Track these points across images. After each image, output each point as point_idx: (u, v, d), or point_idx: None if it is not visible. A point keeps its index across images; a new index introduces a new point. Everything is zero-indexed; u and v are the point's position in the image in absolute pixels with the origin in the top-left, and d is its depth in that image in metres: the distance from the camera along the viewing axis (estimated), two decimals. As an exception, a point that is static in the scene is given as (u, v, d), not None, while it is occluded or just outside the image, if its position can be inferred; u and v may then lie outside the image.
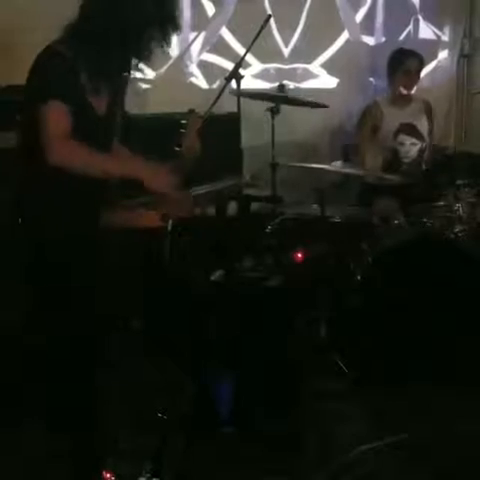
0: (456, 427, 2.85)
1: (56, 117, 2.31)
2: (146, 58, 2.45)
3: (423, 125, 4.41)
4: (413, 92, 4.39)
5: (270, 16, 3.52)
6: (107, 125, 2.53)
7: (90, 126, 2.41)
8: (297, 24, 4.67)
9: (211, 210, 3.62)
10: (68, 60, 2.34)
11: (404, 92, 4.32)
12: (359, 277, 3.37)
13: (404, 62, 4.29)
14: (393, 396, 3.09)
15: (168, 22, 2.42)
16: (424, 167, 4.33)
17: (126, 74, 2.54)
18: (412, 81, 4.34)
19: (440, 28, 5.13)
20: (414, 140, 4.35)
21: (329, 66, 4.85)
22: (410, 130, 4.35)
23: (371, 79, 4.97)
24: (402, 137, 4.33)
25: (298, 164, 3.72)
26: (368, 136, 4.31)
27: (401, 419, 2.94)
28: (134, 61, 2.47)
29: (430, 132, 4.46)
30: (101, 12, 2.37)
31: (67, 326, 2.42)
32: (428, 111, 4.48)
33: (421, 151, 4.37)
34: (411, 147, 4.35)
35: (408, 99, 4.38)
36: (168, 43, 2.45)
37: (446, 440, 2.76)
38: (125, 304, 3.21)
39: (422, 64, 4.37)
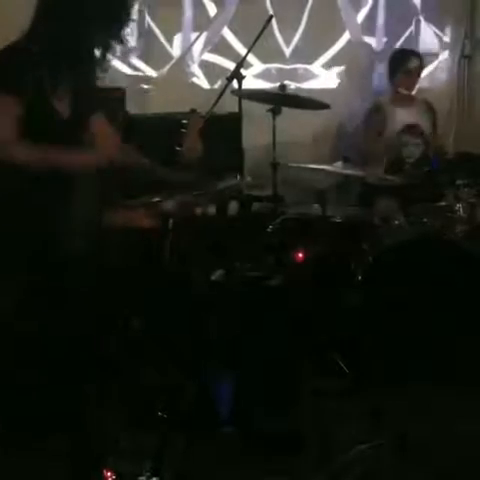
0: (456, 427, 2.86)
1: (6, 113, 2.33)
2: (101, 56, 2.45)
3: (426, 126, 4.41)
4: (414, 93, 4.39)
5: (272, 16, 3.53)
6: (72, 127, 2.53)
7: (53, 128, 2.42)
8: (298, 24, 4.67)
9: (212, 210, 3.63)
10: (31, 56, 2.36)
11: (405, 92, 4.32)
12: (360, 277, 3.37)
13: (405, 62, 4.29)
14: (393, 396, 3.09)
15: (114, 19, 2.42)
16: (426, 168, 4.34)
17: (88, 73, 2.52)
18: (413, 81, 4.34)
19: (441, 29, 5.14)
20: (417, 141, 4.35)
21: (330, 66, 4.85)
22: (414, 131, 4.35)
23: (372, 80, 4.97)
24: (406, 138, 4.33)
25: (299, 164, 3.72)
26: (374, 136, 4.31)
27: (401, 419, 2.94)
28: (93, 57, 2.47)
29: (433, 133, 4.46)
30: (52, 10, 2.38)
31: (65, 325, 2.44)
32: (431, 112, 4.48)
33: (424, 152, 4.37)
34: (414, 148, 4.35)
35: (410, 100, 4.38)
36: (120, 39, 2.44)
37: (446, 440, 2.76)
38: (124, 304, 3.22)
39: (422, 64, 4.37)
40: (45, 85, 2.39)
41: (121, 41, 2.44)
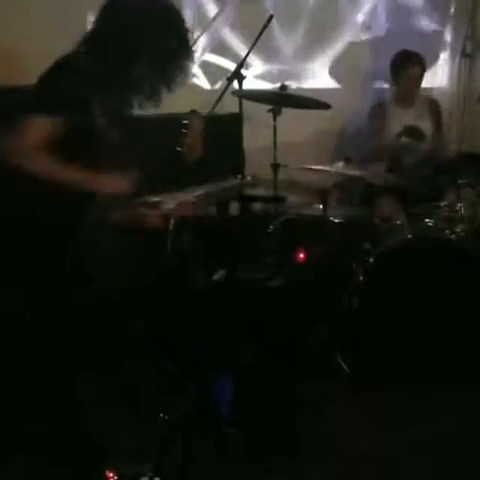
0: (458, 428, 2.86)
1: (36, 131, 2.38)
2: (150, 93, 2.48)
3: (427, 126, 4.40)
4: (418, 92, 4.37)
5: (272, 16, 3.53)
6: (108, 141, 2.58)
7: (93, 144, 2.47)
8: (299, 24, 4.66)
9: (213, 210, 3.63)
10: (83, 74, 2.38)
11: (407, 93, 4.31)
12: (361, 277, 3.37)
13: (406, 67, 4.27)
14: (394, 397, 3.09)
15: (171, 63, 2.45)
16: (425, 169, 4.33)
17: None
18: (415, 83, 4.32)
19: (442, 28, 5.13)
20: (417, 143, 4.35)
21: (331, 67, 4.85)
22: (413, 132, 4.34)
23: (373, 80, 4.98)
24: (405, 139, 4.32)
25: (300, 165, 3.71)
26: (377, 132, 4.31)
27: (401, 420, 2.95)
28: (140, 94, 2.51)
29: (435, 132, 4.45)
30: (113, 35, 2.41)
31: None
32: (434, 110, 4.46)
33: (423, 153, 4.36)
34: (413, 149, 4.35)
35: (412, 100, 4.37)
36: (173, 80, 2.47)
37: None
38: (125, 304, 3.21)
39: (424, 68, 4.33)
40: (93, 107, 2.44)
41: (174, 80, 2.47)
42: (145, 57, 2.44)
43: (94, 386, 2.77)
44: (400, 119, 4.33)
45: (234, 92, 3.62)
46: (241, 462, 2.64)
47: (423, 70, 4.32)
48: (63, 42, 2.50)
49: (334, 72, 4.86)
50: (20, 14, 3.75)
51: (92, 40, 2.48)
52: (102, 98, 2.47)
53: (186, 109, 3.40)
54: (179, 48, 2.48)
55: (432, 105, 4.48)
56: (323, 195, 3.55)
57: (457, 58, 5.17)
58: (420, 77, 4.31)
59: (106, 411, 2.79)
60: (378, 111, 4.38)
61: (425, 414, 2.98)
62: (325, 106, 3.66)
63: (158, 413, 2.55)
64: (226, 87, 3.52)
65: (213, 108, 3.44)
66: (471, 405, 3.03)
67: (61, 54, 2.48)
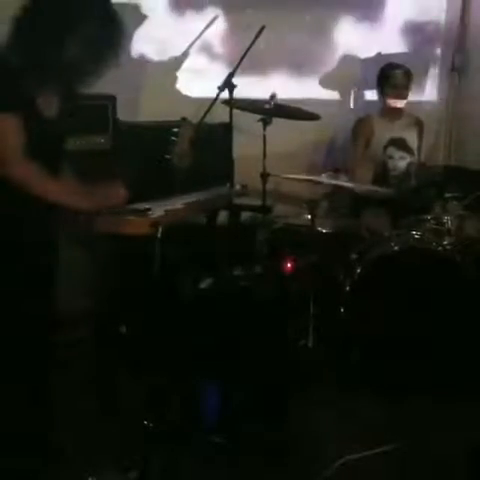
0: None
1: (10, 132, 2.29)
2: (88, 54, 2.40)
3: (413, 140, 4.44)
4: (404, 106, 4.40)
5: (264, 27, 3.53)
6: (58, 125, 2.49)
7: (38, 130, 2.36)
8: (291, 34, 4.68)
9: (201, 218, 3.64)
10: (12, 65, 2.32)
11: (392, 105, 4.34)
12: (347, 288, 3.39)
13: (390, 76, 4.31)
14: (380, 406, 3.11)
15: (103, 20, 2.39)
16: (413, 181, 4.36)
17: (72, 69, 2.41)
18: (400, 94, 4.34)
19: (432, 42, 5.17)
20: (403, 154, 4.38)
21: (323, 78, 4.87)
22: (400, 144, 4.38)
23: (364, 92, 5.00)
24: (391, 150, 4.35)
25: (289, 175, 3.73)
26: (361, 149, 4.35)
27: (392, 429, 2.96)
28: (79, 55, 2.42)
29: (419, 148, 4.50)
30: (41, 9, 2.34)
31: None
32: (419, 127, 4.51)
33: (410, 165, 4.40)
34: (400, 161, 4.38)
35: (399, 113, 4.40)
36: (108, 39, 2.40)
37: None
38: (113, 311, 3.21)
39: (409, 78, 4.36)
40: (30, 88, 2.36)
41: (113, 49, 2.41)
42: (77, 34, 2.36)
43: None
44: (386, 132, 4.36)
45: (224, 101, 3.62)
46: (230, 472, 2.64)
47: (409, 81, 4.34)
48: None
49: (325, 83, 4.88)
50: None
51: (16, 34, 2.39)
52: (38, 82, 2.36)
53: (176, 117, 3.41)
54: (108, 26, 2.41)
55: (417, 122, 4.52)
56: (311, 205, 3.57)
57: (446, 72, 5.20)
58: (406, 88, 4.33)
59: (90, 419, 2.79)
60: (364, 123, 4.40)
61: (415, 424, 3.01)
62: (314, 117, 3.67)
63: (143, 421, 2.55)
64: (217, 96, 3.52)
65: (203, 117, 3.44)
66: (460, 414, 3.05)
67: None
